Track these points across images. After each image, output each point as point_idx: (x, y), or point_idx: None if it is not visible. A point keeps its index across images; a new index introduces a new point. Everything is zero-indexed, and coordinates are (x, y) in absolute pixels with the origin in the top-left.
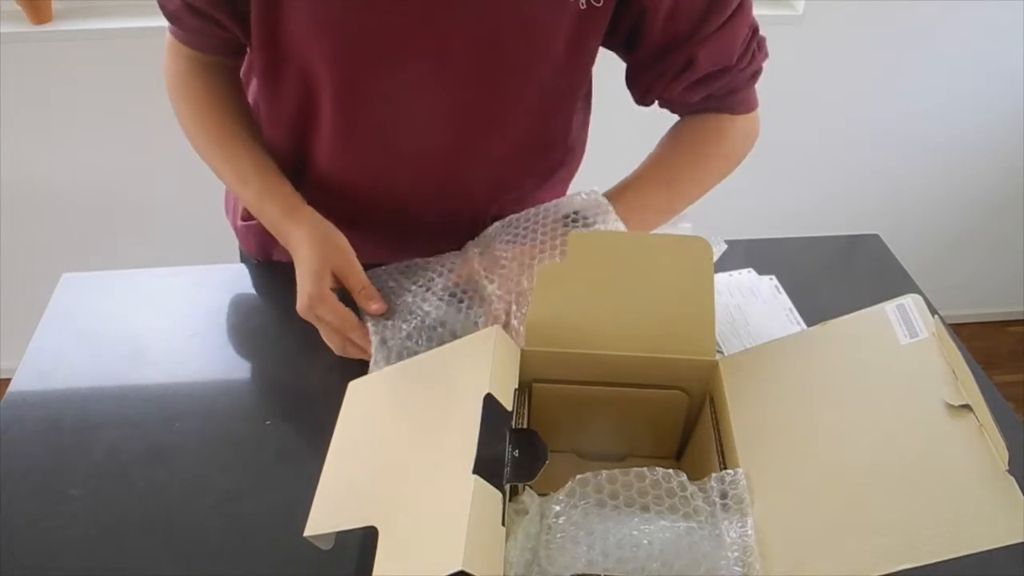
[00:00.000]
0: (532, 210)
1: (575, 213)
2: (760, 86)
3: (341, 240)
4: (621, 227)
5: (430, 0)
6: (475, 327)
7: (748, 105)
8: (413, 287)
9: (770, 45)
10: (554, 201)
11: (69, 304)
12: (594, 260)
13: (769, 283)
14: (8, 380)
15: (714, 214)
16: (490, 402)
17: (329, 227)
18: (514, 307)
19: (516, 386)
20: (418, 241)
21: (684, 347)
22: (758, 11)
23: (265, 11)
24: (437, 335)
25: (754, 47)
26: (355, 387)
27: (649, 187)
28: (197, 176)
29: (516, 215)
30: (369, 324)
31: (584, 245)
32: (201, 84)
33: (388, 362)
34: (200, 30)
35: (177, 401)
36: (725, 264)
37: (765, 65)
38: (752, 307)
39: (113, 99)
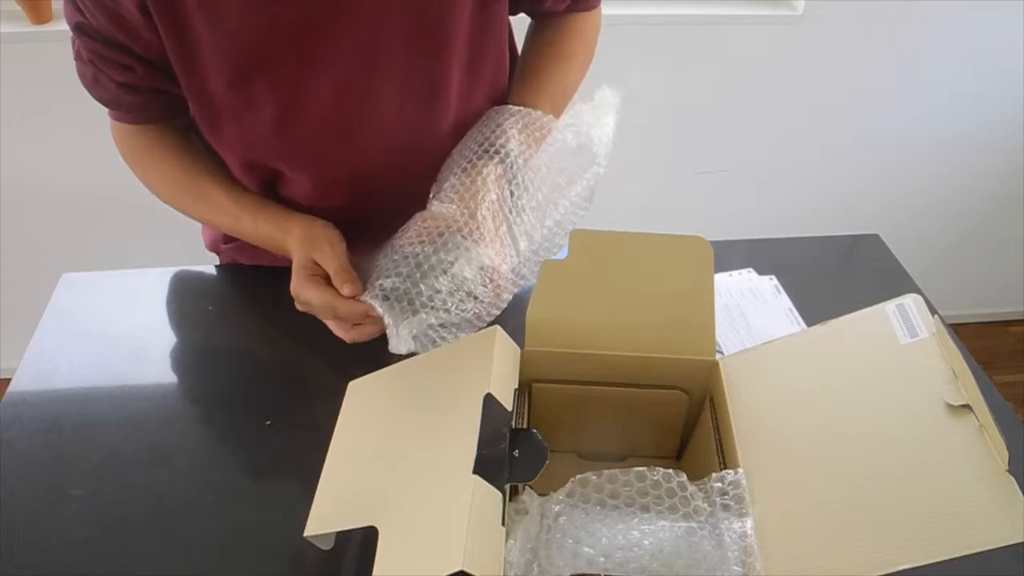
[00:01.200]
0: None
1: (491, 139)
2: (760, 86)
3: (324, 231)
4: (544, 121)
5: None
6: (450, 229)
7: (597, 1)
8: (382, 256)
9: (770, 45)
10: (468, 134)
11: (69, 304)
12: (594, 260)
13: (769, 283)
14: (8, 380)
15: (715, 214)
16: (490, 402)
17: (314, 225)
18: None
19: (516, 386)
20: None
21: (684, 347)
22: (758, 11)
23: (183, 59)
24: (431, 267)
25: None
26: (355, 387)
27: (546, 103)
28: None
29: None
30: (365, 296)
31: (585, 245)
32: (158, 155)
33: (403, 313)
34: (140, 105)
35: (177, 401)
36: (725, 264)
37: None
38: (752, 307)
39: None
